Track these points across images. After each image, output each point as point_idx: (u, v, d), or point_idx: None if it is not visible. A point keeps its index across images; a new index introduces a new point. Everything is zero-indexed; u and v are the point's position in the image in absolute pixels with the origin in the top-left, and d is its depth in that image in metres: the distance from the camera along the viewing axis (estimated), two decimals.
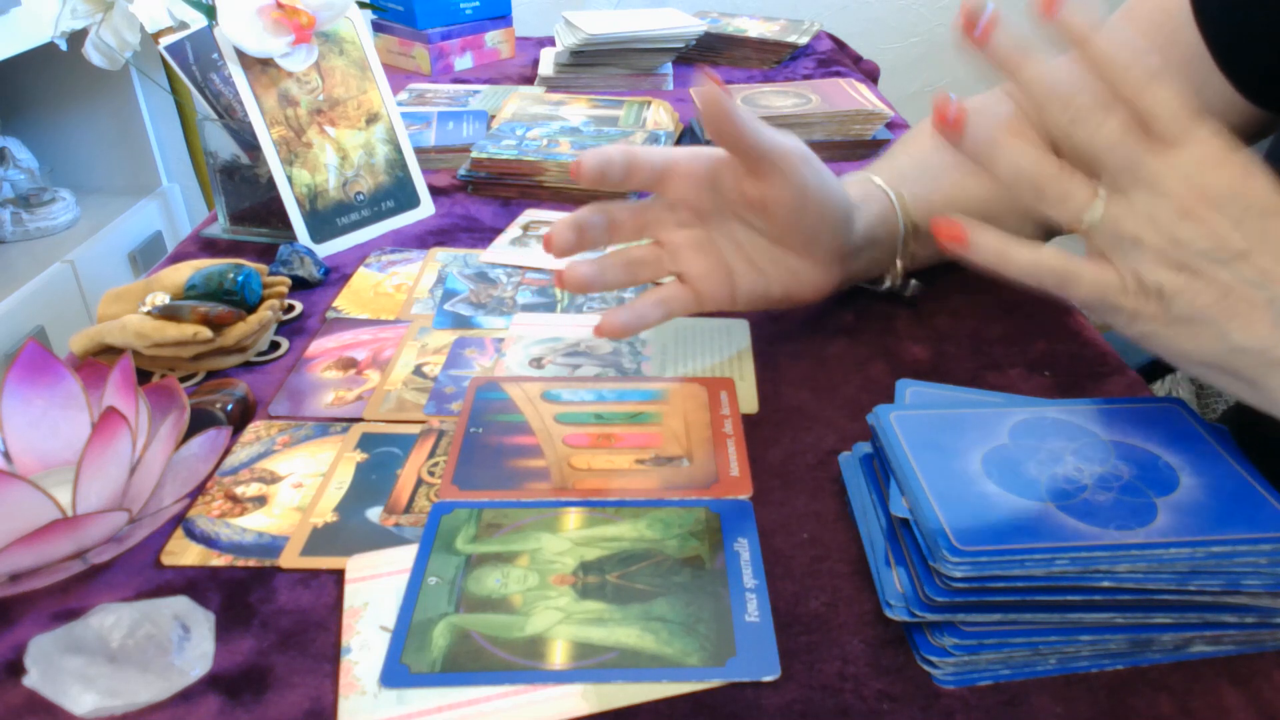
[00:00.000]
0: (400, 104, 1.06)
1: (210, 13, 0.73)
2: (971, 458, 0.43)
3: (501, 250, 0.74)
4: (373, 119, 0.79)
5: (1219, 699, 0.37)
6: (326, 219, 0.76)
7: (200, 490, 0.49)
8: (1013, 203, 0.67)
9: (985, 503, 0.40)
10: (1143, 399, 0.50)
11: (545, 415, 0.54)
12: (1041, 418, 0.45)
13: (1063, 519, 0.39)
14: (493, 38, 1.31)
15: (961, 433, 0.44)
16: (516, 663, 0.38)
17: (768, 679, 0.38)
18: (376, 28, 1.32)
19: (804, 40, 1.29)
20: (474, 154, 0.86)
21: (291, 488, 0.49)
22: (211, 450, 0.47)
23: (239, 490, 0.49)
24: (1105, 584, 0.37)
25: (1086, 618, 0.37)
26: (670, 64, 1.22)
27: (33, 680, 0.38)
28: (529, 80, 1.22)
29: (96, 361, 0.50)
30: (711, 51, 1.29)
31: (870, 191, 0.61)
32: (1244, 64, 0.57)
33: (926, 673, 0.38)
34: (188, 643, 0.39)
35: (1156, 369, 0.81)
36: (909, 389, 0.51)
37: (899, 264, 0.63)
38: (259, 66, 0.72)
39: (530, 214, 0.81)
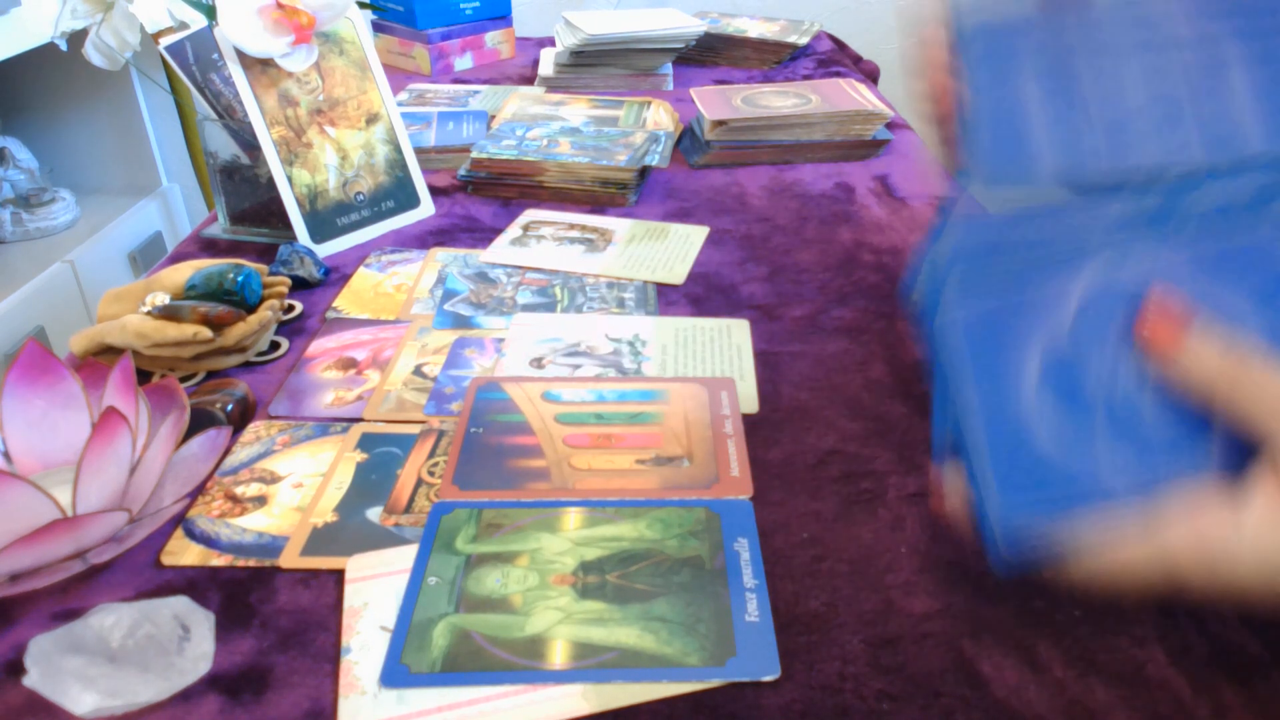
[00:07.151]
0: (400, 104, 1.06)
1: (210, 13, 0.73)
2: (1029, 367, 0.35)
3: (501, 250, 0.74)
4: (373, 119, 0.79)
5: (1219, 699, 0.37)
6: (326, 219, 0.76)
7: (200, 490, 0.49)
8: None
9: (1036, 459, 0.34)
10: None
11: (545, 415, 0.54)
12: (1112, 286, 0.35)
13: (1114, 458, 0.33)
14: (493, 38, 1.32)
15: (1018, 325, 0.35)
16: (516, 663, 0.38)
17: (768, 679, 0.38)
18: (376, 28, 1.32)
19: (804, 40, 1.29)
20: (474, 154, 0.86)
21: (291, 488, 0.49)
22: (211, 450, 0.47)
23: (239, 490, 0.49)
24: None
25: None
26: (670, 64, 1.22)
27: (33, 680, 0.38)
28: (529, 80, 1.22)
29: (96, 361, 0.50)
30: (711, 52, 1.29)
31: None
32: None
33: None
34: (188, 643, 0.39)
35: None
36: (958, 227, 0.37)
37: None
38: (259, 66, 0.72)
39: (530, 214, 0.81)
